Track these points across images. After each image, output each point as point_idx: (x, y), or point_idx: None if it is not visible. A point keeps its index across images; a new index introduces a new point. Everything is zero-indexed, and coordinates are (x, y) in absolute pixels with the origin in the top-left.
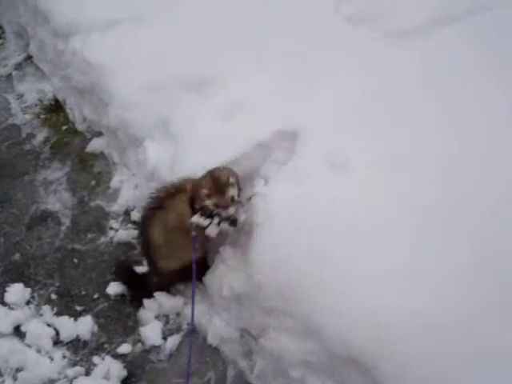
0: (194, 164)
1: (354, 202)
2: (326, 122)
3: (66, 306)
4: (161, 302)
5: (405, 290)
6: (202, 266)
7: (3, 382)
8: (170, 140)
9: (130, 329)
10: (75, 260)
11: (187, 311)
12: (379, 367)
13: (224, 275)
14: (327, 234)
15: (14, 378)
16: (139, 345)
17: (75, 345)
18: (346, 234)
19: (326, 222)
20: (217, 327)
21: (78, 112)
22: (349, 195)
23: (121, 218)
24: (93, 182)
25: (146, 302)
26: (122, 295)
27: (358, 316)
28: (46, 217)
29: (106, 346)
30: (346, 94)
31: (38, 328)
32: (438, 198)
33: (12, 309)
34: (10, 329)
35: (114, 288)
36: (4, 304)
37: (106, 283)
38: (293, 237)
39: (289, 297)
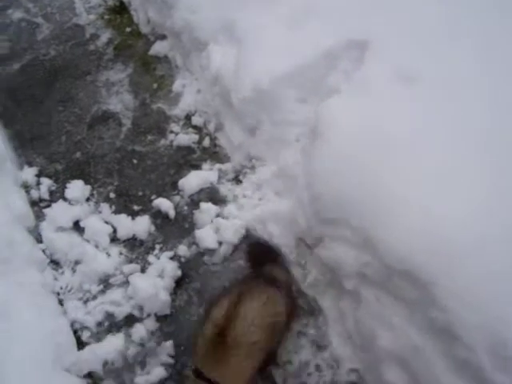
0: (257, 69)
1: (419, 116)
2: (398, 33)
3: (124, 205)
4: None
5: (465, 203)
6: None
7: (63, 273)
8: (234, 44)
9: (186, 231)
10: (134, 161)
11: None
12: (437, 283)
13: None
14: (390, 146)
15: (73, 271)
16: (194, 247)
17: (132, 243)
18: (409, 147)
19: (389, 135)
20: (273, 231)
21: (143, 14)
22: (414, 109)
23: (182, 122)
24: (155, 85)
25: (202, 204)
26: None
27: (416, 230)
28: (107, 117)
29: (161, 246)
30: (422, 5)
31: (97, 224)
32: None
33: (72, 204)
34: (69, 223)
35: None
36: (65, 199)
37: (165, 185)
38: (356, 148)
39: (348, 208)
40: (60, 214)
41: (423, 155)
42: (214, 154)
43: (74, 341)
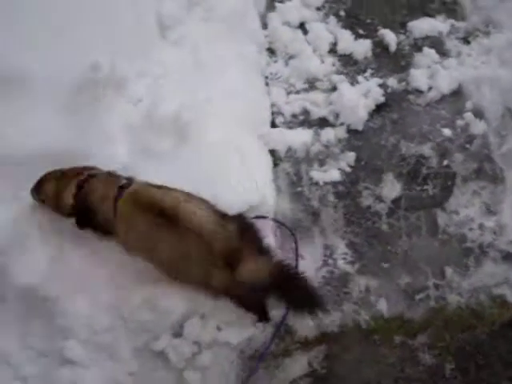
0: None
1: None
2: None
3: (351, 26)
4: None
5: None
6: None
7: (276, 61)
8: None
9: (401, 68)
10: None
11: None
12: None
13: None
14: None
15: (285, 63)
16: (404, 83)
17: (347, 59)
18: None
19: None
20: (484, 95)
21: None
22: None
23: None
24: None
25: (425, 49)
26: None
27: None
28: None
29: (373, 72)
30: None
31: (321, 31)
32: None
33: (303, 7)
34: (296, 22)
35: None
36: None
37: (394, 21)
38: None
39: None
40: (290, 10)
41: None
42: (452, 10)
43: (269, 117)
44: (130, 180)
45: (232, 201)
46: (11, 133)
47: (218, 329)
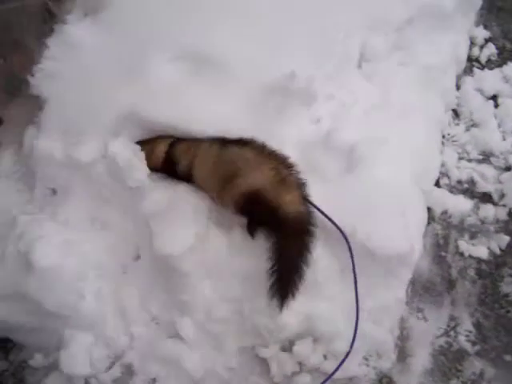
0: None
1: None
2: None
3: None
4: None
5: None
6: None
7: (457, 125)
8: None
9: None
10: None
11: None
12: None
13: None
14: None
15: (467, 129)
16: None
17: None
18: None
19: None
20: None
21: None
22: None
23: None
24: None
25: None
26: None
27: None
28: None
29: None
30: None
31: None
32: None
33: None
34: (490, 93)
35: None
36: (499, 71)
37: None
38: None
39: None
40: (487, 79)
41: None
42: None
43: (437, 176)
44: None
45: (382, 242)
46: (194, 110)
47: (325, 357)
